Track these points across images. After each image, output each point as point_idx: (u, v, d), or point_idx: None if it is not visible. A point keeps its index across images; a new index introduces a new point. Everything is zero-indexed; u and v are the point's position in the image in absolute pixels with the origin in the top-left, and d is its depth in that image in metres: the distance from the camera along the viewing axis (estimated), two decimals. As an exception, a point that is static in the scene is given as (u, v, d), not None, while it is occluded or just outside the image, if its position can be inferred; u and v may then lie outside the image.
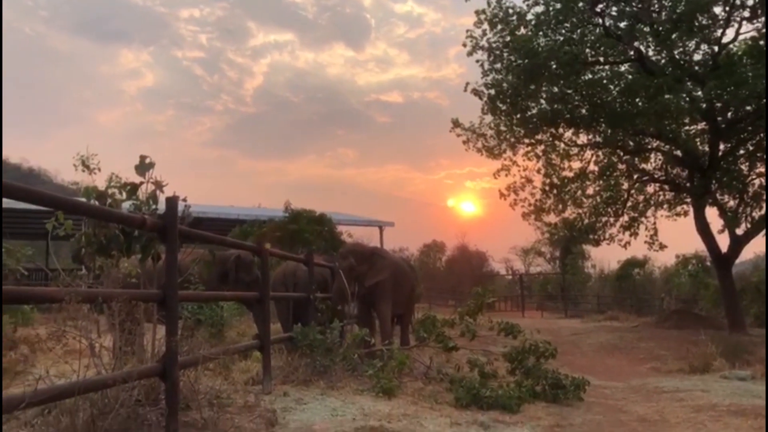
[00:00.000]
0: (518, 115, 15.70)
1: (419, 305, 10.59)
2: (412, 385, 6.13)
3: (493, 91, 15.45)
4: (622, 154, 16.65)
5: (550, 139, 16.81)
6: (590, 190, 17.43)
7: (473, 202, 61.28)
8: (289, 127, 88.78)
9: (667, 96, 12.89)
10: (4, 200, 2.95)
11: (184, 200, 4.33)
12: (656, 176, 17.12)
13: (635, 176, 17.01)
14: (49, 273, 4.15)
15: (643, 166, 17.09)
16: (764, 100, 12.42)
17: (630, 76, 14.32)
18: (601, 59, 14.60)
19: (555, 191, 17.10)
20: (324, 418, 4.54)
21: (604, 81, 14.69)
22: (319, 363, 6.26)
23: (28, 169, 64.85)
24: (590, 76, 14.77)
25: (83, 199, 3.89)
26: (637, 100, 14.01)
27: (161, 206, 4.11)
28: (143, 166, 4.22)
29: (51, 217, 3.93)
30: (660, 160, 16.85)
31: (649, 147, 16.47)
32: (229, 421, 4.11)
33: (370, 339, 7.32)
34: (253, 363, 6.25)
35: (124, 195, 4.18)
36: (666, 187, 17.10)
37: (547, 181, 17.16)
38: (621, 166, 17.01)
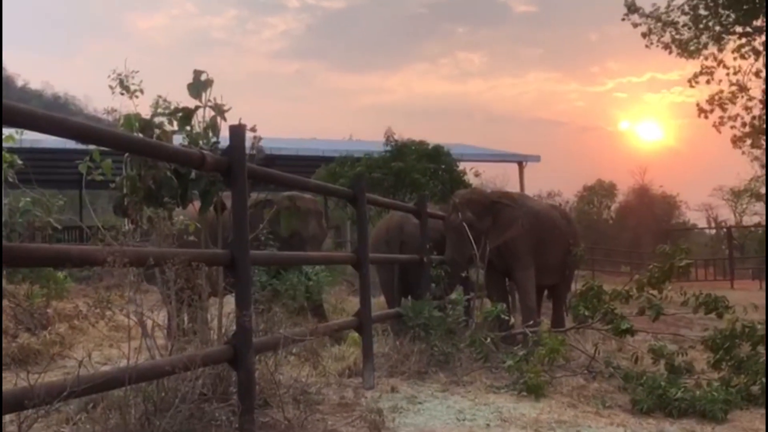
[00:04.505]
0: (726, -8, 14.85)
1: (579, 272, 10.45)
2: (568, 382, 6.12)
3: (687, -41, 14.67)
4: None
5: (777, 25, 15.81)
6: (840, 100, 16.34)
7: (658, 124, 59.15)
8: (391, 26, 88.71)
9: None
10: (27, 135, 3.19)
11: (254, 130, 4.48)
12: None
13: None
14: (85, 229, 4.46)
15: None
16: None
17: None
18: None
19: (784, 104, 16.18)
20: (447, 423, 4.64)
21: None
22: (438, 349, 6.38)
23: (52, 96, 69.26)
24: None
25: (123, 131, 4.12)
26: None
27: (223, 139, 4.28)
28: (198, 85, 4.38)
29: (84, 157, 4.20)
30: None
31: None
32: (321, 423, 4.31)
33: (508, 317, 7.36)
34: (350, 348, 6.47)
35: (175, 124, 4.38)
36: None
37: (772, 88, 16.25)
38: None
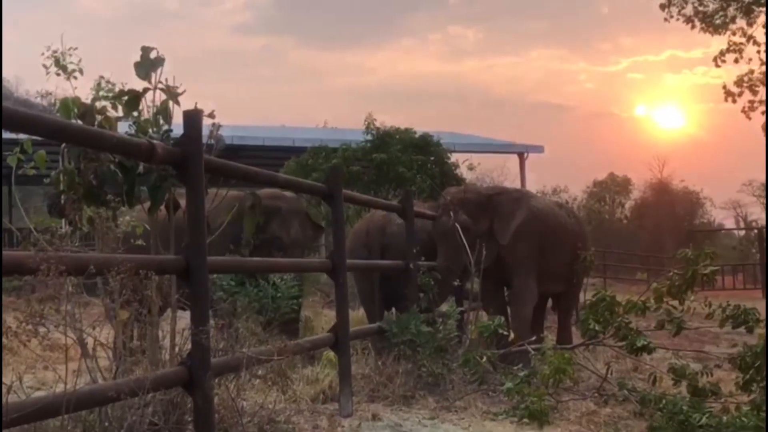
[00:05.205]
0: (757, -43, 14.97)
1: (588, 280, 10.48)
2: (576, 407, 6.15)
3: None
4: None
5: (814, -5, 15.93)
6: None
7: (679, 109, 59.42)
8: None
9: None
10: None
11: (212, 117, 4.47)
12: None
13: None
14: (15, 232, 4.44)
15: None
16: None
17: None
18: None
19: (822, 86, 16.31)
20: (437, 455, 4.66)
21: None
22: (426, 370, 6.39)
23: (-26, 77, 68.55)
24: None
25: (59, 117, 4.09)
26: None
27: (176, 127, 4.26)
28: (147, 64, 4.37)
29: (14, 148, 4.17)
30: None
31: None
32: (291, 456, 4.31)
33: (507, 333, 7.37)
34: (325, 369, 6.47)
35: (121, 109, 4.36)
36: None
37: (809, 68, 16.38)
38: None
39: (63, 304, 3.87)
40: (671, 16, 16.61)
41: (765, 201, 15.01)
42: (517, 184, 22.87)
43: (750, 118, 16.90)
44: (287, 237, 8.07)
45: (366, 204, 8.89)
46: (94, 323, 4.21)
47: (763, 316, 7.00)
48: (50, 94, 4.42)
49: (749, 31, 16.49)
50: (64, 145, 4.11)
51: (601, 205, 37.03)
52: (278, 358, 4.66)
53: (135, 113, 4.36)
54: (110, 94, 4.34)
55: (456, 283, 8.21)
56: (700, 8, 16.32)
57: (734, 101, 16.97)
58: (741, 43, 16.63)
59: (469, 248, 7.77)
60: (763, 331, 6.85)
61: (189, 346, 3.99)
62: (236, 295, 6.20)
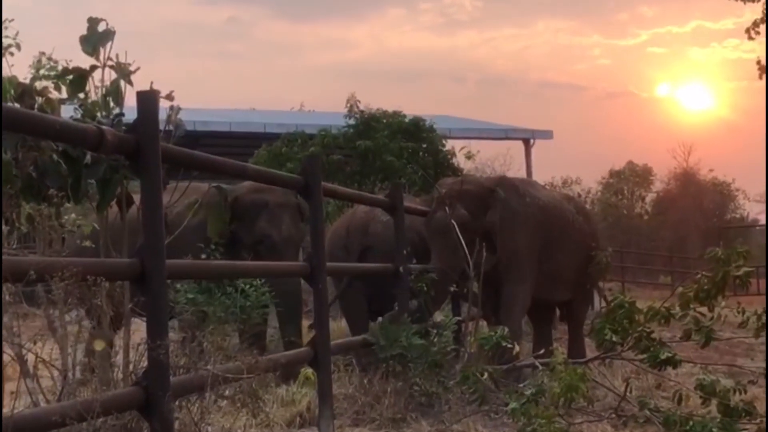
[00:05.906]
0: None
1: (603, 284, 10.51)
2: (591, 430, 6.18)
3: None
4: None
5: None
6: None
7: (707, 88, 59.55)
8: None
9: None
10: None
11: (170, 98, 4.46)
12: None
13: None
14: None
15: None
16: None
17: None
18: None
19: None
20: (431, 487, 4.67)
21: None
22: (419, 389, 6.40)
23: None
24: None
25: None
26: None
27: (129, 111, 4.25)
28: (95, 38, 4.35)
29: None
30: None
31: None
32: (263, 488, 4.30)
33: (511, 345, 7.39)
34: (302, 388, 6.47)
35: (64, 90, 4.34)
36: None
37: None
38: None
39: (-2, 314, 3.87)
40: (697, -18, 16.67)
41: (765, 199, 15.16)
42: (522, 175, 22.90)
43: (786, 97, 16.95)
44: (278, 235, 8.06)
45: (348, 198, 8.88)
46: (34, 337, 4.20)
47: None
48: (-16, 74, 4.40)
49: (786, -2, 16.55)
50: (-2, 132, 4.10)
51: (619, 198, 37.15)
52: (248, 377, 4.65)
53: (81, 95, 4.35)
54: (52, 73, 4.33)
55: (452, 289, 8.21)
56: (731, -28, 16.35)
57: (769, 78, 17.01)
58: (777, 13, 16.69)
59: (467, 248, 7.75)
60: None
61: (145, 363, 3.98)
62: (201, 304, 6.20)
